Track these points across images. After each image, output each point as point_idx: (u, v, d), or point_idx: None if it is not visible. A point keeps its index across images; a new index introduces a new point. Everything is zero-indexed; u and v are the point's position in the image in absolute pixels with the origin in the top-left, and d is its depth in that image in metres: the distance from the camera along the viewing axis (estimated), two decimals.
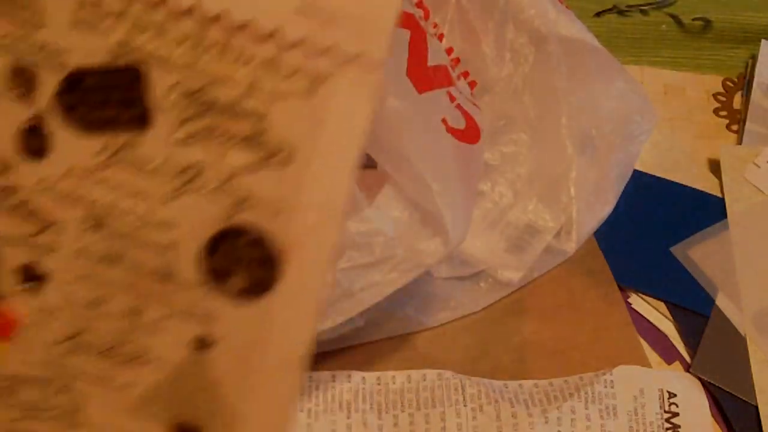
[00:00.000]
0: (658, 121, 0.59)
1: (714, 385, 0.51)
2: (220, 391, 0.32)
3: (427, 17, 0.49)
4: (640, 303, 0.54)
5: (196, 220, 0.32)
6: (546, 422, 0.48)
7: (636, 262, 0.55)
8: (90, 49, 0.31)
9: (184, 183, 0.32)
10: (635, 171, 0.57)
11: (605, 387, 0.50)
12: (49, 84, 0.31)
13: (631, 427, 0.49)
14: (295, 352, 0.32)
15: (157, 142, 0.31)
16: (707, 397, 0.51)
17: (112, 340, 0.33)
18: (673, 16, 0.67)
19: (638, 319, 0.53)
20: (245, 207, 0.32)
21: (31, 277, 0.33)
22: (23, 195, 0.32)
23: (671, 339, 0.53)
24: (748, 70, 0.66)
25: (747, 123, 0.62)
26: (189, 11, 0.30)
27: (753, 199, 0.58)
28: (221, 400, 0.32)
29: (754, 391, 0.51)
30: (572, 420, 0.48)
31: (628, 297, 0.54)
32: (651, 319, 0.53)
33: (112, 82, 0.31)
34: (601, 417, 0.49)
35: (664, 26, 0.66)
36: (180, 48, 0.31)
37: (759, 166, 0.59)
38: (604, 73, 0.49)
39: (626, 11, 0.65)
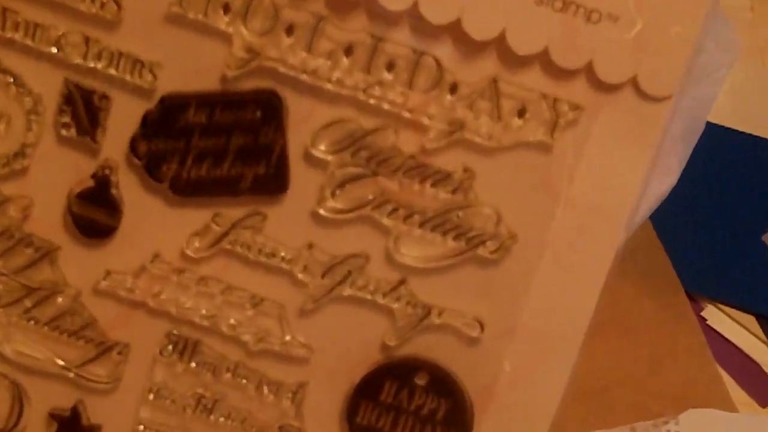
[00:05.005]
0: (742, 51, 0.50)
1: None
2: None
3: None
4: (719, 318, 0.48)
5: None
6: None
7: (712, 259, 0.49)
8: None
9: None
10: (708, 124, 0.49)
11: None
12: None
13: None
14: None
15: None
16: None
17: None
18: None
19: (717, 341, 0.48)
20: None
21: None
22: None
23: (766, 370, 0.47)
24: None
25: None
26: None
27: None
28: None
29: None
30: None
31: (702, 309, 0.48)
32: (736, 342, 0.48)
33: None
34: None
35: None
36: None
37: None
38: None
39: None
